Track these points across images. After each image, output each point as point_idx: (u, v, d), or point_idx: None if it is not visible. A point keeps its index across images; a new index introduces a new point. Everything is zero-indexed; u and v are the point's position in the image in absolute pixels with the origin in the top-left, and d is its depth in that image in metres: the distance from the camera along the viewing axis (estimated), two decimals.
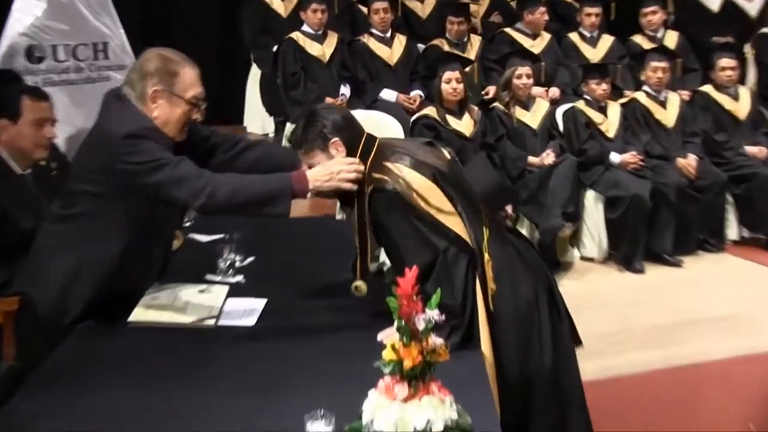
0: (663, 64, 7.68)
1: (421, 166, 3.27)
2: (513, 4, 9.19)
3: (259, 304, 3.47)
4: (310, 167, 3.33)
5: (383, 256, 3.74)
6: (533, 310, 3.33)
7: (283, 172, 3.29)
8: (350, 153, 3.32)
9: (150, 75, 3.35)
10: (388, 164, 3.26)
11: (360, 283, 3.39)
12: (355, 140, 3.34)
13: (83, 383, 2.90)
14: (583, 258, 7.36)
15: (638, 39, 8.73)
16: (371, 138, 3.40)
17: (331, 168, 3.24)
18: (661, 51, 7.89)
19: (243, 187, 3.21)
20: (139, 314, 3.36)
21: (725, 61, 7.97)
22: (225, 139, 3.74)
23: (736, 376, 5.35)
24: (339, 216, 6.85)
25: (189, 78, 3.40)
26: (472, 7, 8.85)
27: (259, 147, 3.81)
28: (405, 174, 3.22)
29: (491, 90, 7.97)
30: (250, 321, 3.35)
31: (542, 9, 8.40)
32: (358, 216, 3.32)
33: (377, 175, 3.25)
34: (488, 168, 3.28)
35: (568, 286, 6.44)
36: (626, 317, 6.21)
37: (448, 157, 3.48)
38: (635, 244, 7.17)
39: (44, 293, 3.41)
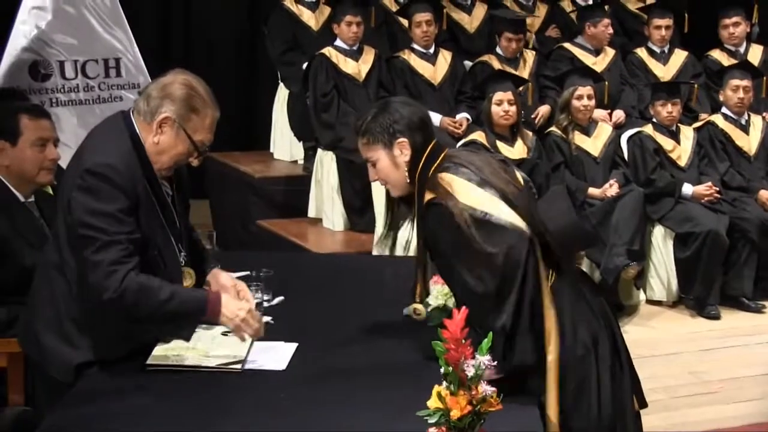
0: (745, 83, 7.67)
1: (485, 185, 3.34)
2: (572, 15, 9.19)
3: (289, 348, 3.55)
4: (367, 161, 3.49)
5: (406, 310, 3.82)
6: (591, 359, 3.36)
7: (200, 297, 3.42)
8: (415, 157, 3.42)
9: (171, 100, 3.45)
10: (451, 176, 3.34)
11: (419, 306, 3.48)
12: (424, 145, 3.44)
13: (99, 427, 2.99)
14: (649, 301, 7.38)
15: (716, 54, 8.69)
16: (439, 146, 3.49)
17: (240, 313, 3.39)
18: (744, 67, 7.86)
19: (156, 302, 3.31)
20: (158, 356, 3.44)
21: None
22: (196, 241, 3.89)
23: None
24: (375, 252, 6.94)
25: (207, 122, 3.50)
26: (527, 20, 8.85)
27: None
28: (463, 191, 3.30)
29: (542, 111, 8.03)
30: (281, 365, 3.42)
31: (606, 21, 8.39)
32: (417, 231, 3.44)
33: (435, 188, 3.33)
34: (567, 204, 3.31)
35: (632, 333, 6.47)
36: (698, 369, 6.24)
37: (522, 182, 3.54)
38: (710, 287, 7.18)
39: (45, 334, 3.50)
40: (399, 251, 6.65)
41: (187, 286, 3.59)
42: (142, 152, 3.44)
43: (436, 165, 3.40)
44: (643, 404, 3.62)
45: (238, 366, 3.40)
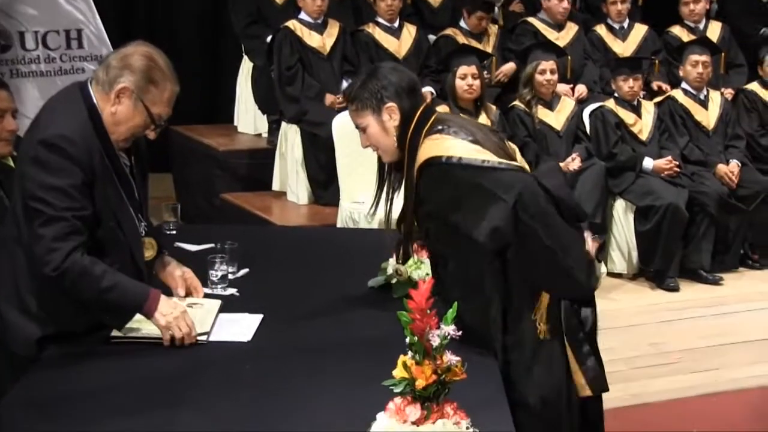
0: (704, 58, 7.73)
1: (478, 144, 3.39)
2: None
3: (254, 320, 3.55)
4: (357, 127, 3.54)
5: (390, 269, 3.84)
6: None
7: (141, 293, 3.38)
8: (405, 122, 3.45)
9: (131, 71, 3.41)
10: (443, 137, 3.38)
11: (401, 267, 3.50)
12: (413, 110, 3.47)
13: (63, 404, 2.97)
14: (610, 274, 7.44)
15: (676, 30, 8.74)
16: (429, 111, 3.52)
17: (174, 312, 3.36)
18: (703, 43, 7.92)
19: (96, 290, 3.29)
20: (123, 329, 3.44)
21: None
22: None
23: None
24: (339, 225, 6.95)
25: (166, 95, 3.47)
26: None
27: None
28: (459, 147, 3.35)
29: (505, 69, 8.08)
30: (246, 336, 3.42)
31: None
32: (406, 196, 3.48)
33: (429, 149, 3.37)
34: (561, 179, 3.35)
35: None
36: (657, 340, 6.31)
37: (513, 154, 3.58)
38: (669, 260, 7.26)
39: (6, 307, 3.47)
40: (363, 224, 6.73)
41: (148, 257, 3.58)
42: (99, 123, 3.41)
43: (426, 129, 3.44)
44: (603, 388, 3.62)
45: (204, 338, 3.40)
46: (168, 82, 3.48)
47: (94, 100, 3.42)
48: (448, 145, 3.37)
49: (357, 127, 3.55)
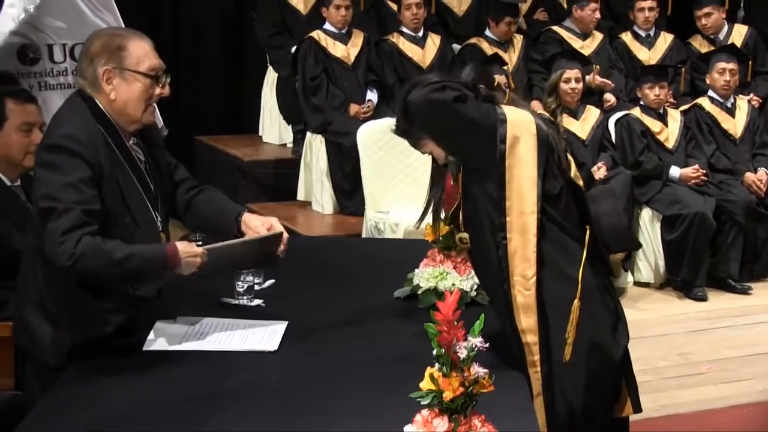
0: (731, 66, 7.70)
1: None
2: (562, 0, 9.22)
3: (280, 328, 3.55)
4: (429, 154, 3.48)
5: (417, 278, 3.82)
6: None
7: (159, 254, 3.36)
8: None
9: (97, 56, 3.41)
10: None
11: (464, 235, 3.48)
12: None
13: (95, 412, 2.97)
14: (637, 283, 7.42)
15: (696, 42, 8.73)
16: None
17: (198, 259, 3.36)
18: (730, 51, 7.89)
19: (113, 262, 3.26)
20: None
21: None
22: (187, 178, 3.88)
23: None
24: (364, 234, 6.94)
25: (139, 50, 3.44)
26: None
27: (206, 191, 3.90)
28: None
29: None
30: (272, 346, 3.42)
31: (593, 5, 8.38)
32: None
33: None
34: (618, 204, 3.32)
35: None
36: (686, 350, 6.27)
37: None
38: (697, 269, 7.22)
39: (35, 320, 3.48)
40: (388, 234, 6.72)
41: None
42: (104, 119, 3.41)
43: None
44: (637, 408, 3.60)
45: (235, 347, 3.40)
46: (133, 38, 3.47)
47: (95, 99, 3.43)
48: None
49: (427, 153, 3.49)
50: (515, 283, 3.26)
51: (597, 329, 3.32)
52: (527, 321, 3.26)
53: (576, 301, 3.25)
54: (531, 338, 3.26)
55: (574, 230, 3.32)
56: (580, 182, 3.51)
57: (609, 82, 8.11)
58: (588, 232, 3.33)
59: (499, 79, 6.98)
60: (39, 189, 3.31)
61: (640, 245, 6.30)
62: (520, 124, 3.27)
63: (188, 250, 3.35)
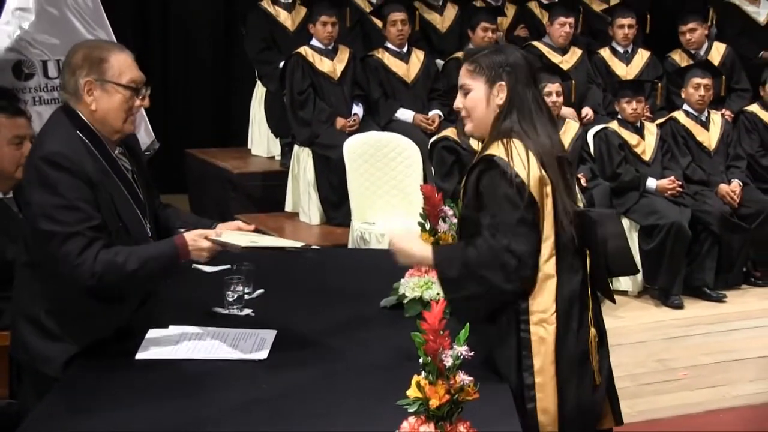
0: (706, 81, 7.71)
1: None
2: (541, 16, 9.23)
3: (269, 336, 3.53)
4: (461, 87, 3.41)
5: (402, 288, 3.81)
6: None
7: (169, 251, 3.39)
8: (507, 106, 3.32)
9: (79, 68, 3.40)
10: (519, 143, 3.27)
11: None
12: (521, 102, 3.34)
13: (88, 422, 2.95)
14: (615, 292, 7.32)
15: (676, 56, 8.77)
16: (530, 109, 3.37)
17: (205, 245, 3.39)
18: (705, 67, 7.92)
19: (128, 273, 3.30)
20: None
21: None
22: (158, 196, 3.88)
23: None
24: (351, 245, 6.94)
25: (120, 62, 3.44)
26: (498, 20, 8.83)
27: (168, 208, 3.92)
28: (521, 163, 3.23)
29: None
30: (261, 354, 3.41)
31: (562, 20, 8.41)
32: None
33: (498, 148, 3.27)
34: (621, 228, 3.30)
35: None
36: (663, 356, 6.27)
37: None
38: (673, 277, 7.23)
39: (29, 333, 3.46)
40: (374, 244, 6.72)
41: None
42: (88, 131, 3.40)
43: (515, 123, 3.31)
44: (620, 421, 3.60)
45: (228, 356, 3.40)
46: (114, 51, 3.47)
47: (77, 111, 3.42)
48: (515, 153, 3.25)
49: (461, 87, 3.42)
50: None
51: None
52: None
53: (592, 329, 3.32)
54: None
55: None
56: (581, 204, 3.48)
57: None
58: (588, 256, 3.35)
59: (553, 87, 7.01)
60: (33, 208, 3.30)
61: (638, 270, 6.35)
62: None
63: (195, 244, 3.38)
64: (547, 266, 3.24)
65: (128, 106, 3.44)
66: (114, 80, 3.41)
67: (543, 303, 3.24)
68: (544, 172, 3.24)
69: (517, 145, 3.24)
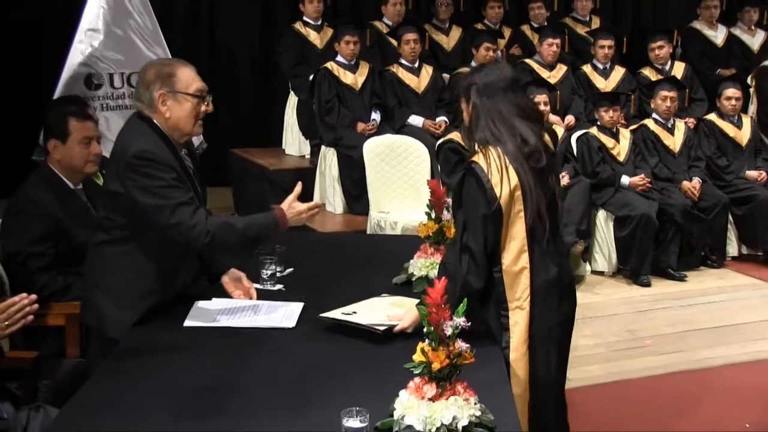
0: (671, 94, 7.72)
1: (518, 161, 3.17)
2: (532, 37, 9.22)
3: (297, 307, 3.53)
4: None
5: (412, 268, 3.80)
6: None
7: (270, 219, 3.49)
8: (475, 119, 3.24)
9: (152, 82, 3.41)
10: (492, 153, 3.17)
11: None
12: (484, 111, 3.22)
13: (141, 379, 2.96)
14: (594, 272, 7.40)
15: (647, 71, 8.75)
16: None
17: (300, 214, 3.52)
18: (670, 81, 7.92)
19: (239, 233, 3.39)
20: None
21: (731, 92, 8.02)
22: None
23: (733, 380, 5.38)
24: (369, 231, 6.93)
25: (186, 75, 3.45)
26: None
27: None
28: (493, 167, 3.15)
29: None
30: (290, 323, 3.40)
31: (550, 41, 8.38)
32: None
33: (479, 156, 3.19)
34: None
35: (580, 298, 6.25)
36: (633, 327, 6.24)
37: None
38: (643, 260, 7.20)
39: (98, 303, 3.48)
40: (388, 230, 6.70)
41: None
42: (163, 135, 3.41)
43: (485, 132, 3.21)
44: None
45: (257, 324, 3.38)
46: (179, 66, 3.48)
47: (153, 119, 3.43)
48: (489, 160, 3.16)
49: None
50: None
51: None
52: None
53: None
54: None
55: None
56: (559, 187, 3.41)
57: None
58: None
59: (541, 98, 6.96)
60: (140, 194, 3.30)
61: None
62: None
63: (291, 211, 3.50)
64: (521, 260, 3.19)
65: (196, 111, 3.46)
66: (183, 90, 3.42)
67: (519, 291, 3.20)
68: (516, 175, 3.15)
69: (493, 153, 3.16)
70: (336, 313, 3.37)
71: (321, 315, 3.37)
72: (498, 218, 3.15)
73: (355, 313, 3.37)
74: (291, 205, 3.51)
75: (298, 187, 3.60)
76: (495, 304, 3.23)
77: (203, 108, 3.49)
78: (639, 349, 5.84)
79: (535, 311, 3.21)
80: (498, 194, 3.12)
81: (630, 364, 5.57)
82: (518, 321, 3.20)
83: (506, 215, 3.16)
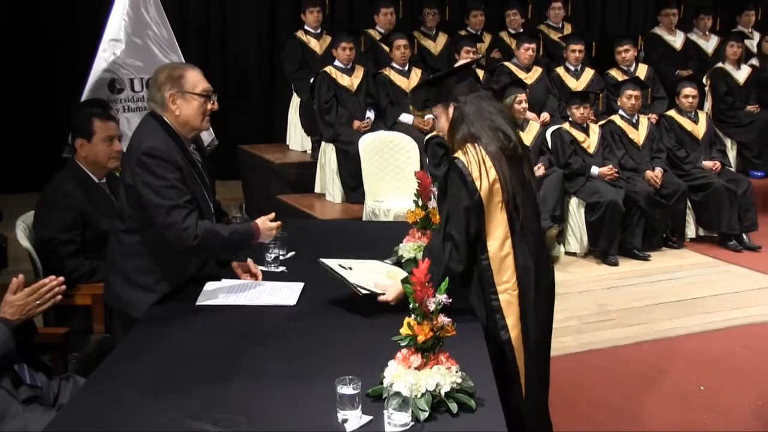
0: (636, 93, 7.72)
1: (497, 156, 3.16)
2: (510, 42, 9.21)
3: (297, 287, 3.54)
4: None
5: (401, 251, 3.80)
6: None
7: (249, 229, 3.52)
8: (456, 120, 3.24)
9: (163, 84, 3.43)
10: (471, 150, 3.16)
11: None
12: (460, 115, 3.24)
13: (159, 352, 2.97)
14: (567, 253, 7.41)
15: (614, 72, 8.76)
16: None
17: (272, 230, 3.55)
18: (635, 81, 7.92)
19: (223, 239, 3.41)
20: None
21: (688, 90, 8.02)
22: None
23: (691, 348, 5.40)
24: (365, 218, 6.93)
25: (194, 77, 3.46)
26: (477, 45, 8.82)
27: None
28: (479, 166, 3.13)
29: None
30: (291, 301, 3.41)
31: (526, 45, 8.38)
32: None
33: (462, 150, 3.18)
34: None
35: (555, 277, 6.50)
36: (602, 302, 6.26)
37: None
38: (611, 242, 7.21)
39: (119, 285, 3.49)
40: (382, 218, 6.70)
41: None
42: (173, 133, 3.43)
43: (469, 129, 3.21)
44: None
45: (264, 302, 3.39)
46: (187, 68, 3.50)
47: (164, 118, 3.44)
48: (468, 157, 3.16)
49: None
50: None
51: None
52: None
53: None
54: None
55: None
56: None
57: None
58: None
59: (521, 97, 6.98)
60: (144, 190, 3.31)
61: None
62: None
63: (264, 226, 3.54)
64: (505, 246, 3.18)
65: (203, 109, 3.47)
66: (191, 90, 3.43)
67: (506, 275, 3.19)
68: (494, 169, 3.14)
69: (472, 150, 3.16)
70: (334, 263, 3.39)
71: (320, 260, 3.41)
72: (479, 209, 3.15)
73: (350, 269, 3.38)
74: (264, 222, 3.56)
75: (272, 215, 3.65)
76: (482, 287, 3.21)
77: (209, 106, 3.51)
78: (607, 321, 5.86)
79: (523, 291, 3.20)
80: (478, 187, 3.13)
81: (600, 336, 5.59)
82: (511, 301, 3.19)
83: (487, 205, 3.16)
